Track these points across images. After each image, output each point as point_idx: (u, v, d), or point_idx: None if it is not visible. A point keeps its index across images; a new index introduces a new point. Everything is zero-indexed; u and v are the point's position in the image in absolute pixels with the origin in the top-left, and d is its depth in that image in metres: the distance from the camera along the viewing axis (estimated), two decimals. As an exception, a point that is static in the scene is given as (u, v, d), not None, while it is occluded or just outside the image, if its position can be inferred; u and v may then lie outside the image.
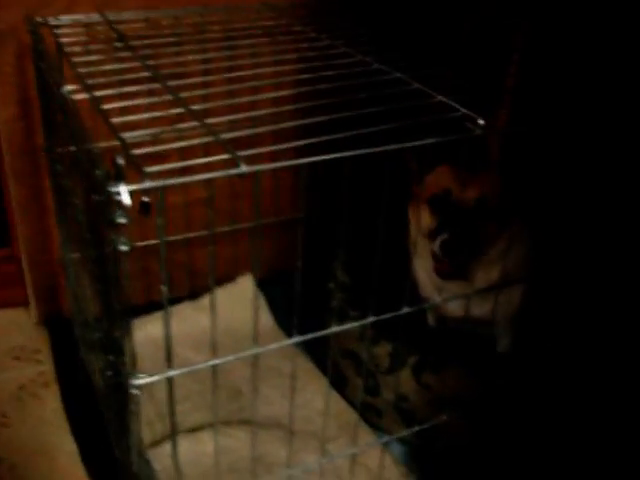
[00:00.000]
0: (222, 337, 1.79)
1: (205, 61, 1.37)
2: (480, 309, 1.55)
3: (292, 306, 1.06)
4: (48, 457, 1.59)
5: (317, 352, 1.80)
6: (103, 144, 1.26)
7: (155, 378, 0.95)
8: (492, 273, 1.56)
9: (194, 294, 2.01)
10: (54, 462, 1.58)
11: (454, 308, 1.62)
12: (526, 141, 1.49)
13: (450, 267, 1.50)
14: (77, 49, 1.32)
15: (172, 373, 0.96)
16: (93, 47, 1.37)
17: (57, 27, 1.44)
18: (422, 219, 1.57)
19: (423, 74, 1.19)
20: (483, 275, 1.57)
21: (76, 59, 1.24)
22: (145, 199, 0.80)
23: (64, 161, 1.34)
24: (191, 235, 1.88)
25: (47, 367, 1.88)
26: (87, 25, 1.49)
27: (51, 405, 1.74)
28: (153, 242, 1.70)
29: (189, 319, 1.93)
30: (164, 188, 0.82)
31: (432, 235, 1.51)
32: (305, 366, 1.82)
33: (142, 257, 1.85)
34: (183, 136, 1.02)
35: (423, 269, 1.65)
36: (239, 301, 1.98)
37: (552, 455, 1.47)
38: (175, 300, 1.98)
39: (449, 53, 1.65)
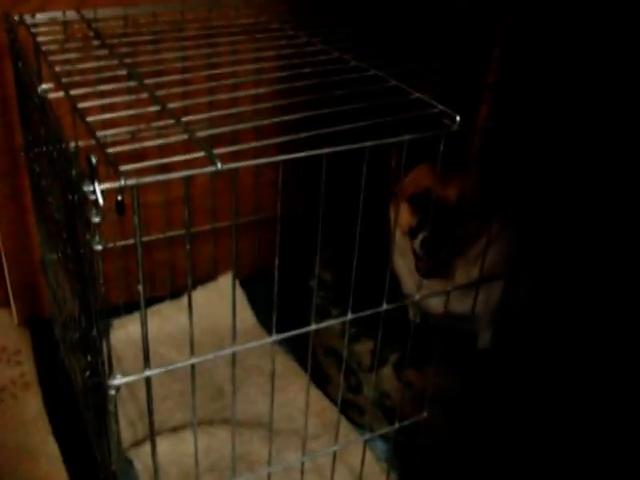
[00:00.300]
0: (204, 336, 1.81)
1: (184, 58, 1.37)
2: (461, 305, 1.54)
3: (273, 303, 1.06)
4: (29, 459, 1.58)
5: (300, 351, 1.80)
6: (81, 143, 1.26)
7: (133, 378, 0.94)
8: (472, 270, 1.56)
9: (176, 293, 2.00)
10: (35, 464, 1.57)
11: (436, 304, 1.62)
12: (506, 137, 1.49)
13: (431, 265, 1.50)
14: (54, 47, 1.31)
15: (150, 373, 0.95)
16: (70, 45, 1.36)
17: (34, 25, 1.43)
18: (402, 217, 1.56)
19: (401, 71, 1.19)
20: (464, 272, 1.57)
21: (53, 57, 1.23)
22: (119, 198, 0.80)
23: (42, 161, 1.33)
24: (170, 234, 1.87)
25: (28, 368, 1.86)
26: (64, 23, 1.48)
27: (32, 407, 1.73)
28: (132, 242, 1.70)
29: (170, 318, 1.92)
30: (139, 186, 0.82)
31: (412, 233, 1.51)
32: (287, 364, 1.82)
33: (122, 257, 1.84)
34: (162, 134, 1.01)
35: (404, 266, 1.66)
36: (220, 300, 1.97)
37: (534, 451, 1.47)
38: (156, 299, 1.97)
39: (428, 50, 1.65)
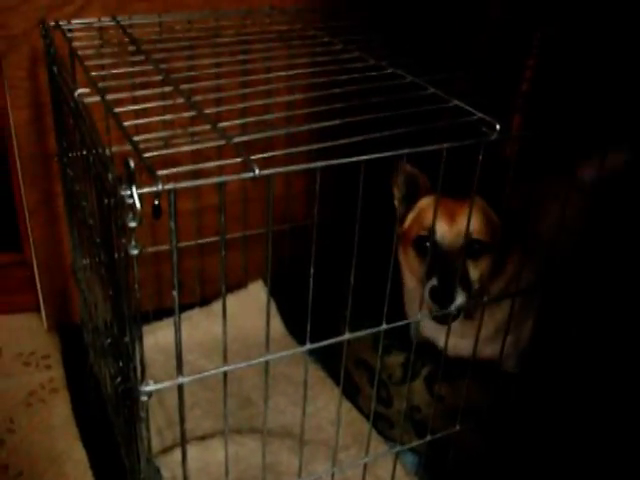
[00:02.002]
0: (233, 344, 1.79)
1: (218, 65, 1.36)
2: (490, 349, 1.46)
3: (304, 313, 1.05)
4: (56, 464, 1.58)
5: (330, 361, 1.79)
6: (116, 148, 1.26)
7: (165, 385, 0.93)
8: (497, 311, 1.46)
9: (205, 301, 2.00)
10: (62, 469, 1.57)
11: (460, 348, 1.49)
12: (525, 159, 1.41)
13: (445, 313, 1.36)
14: (90, 53, 1.32)
15: (182, 380, 0.94)
16: (106, 51, 1.36)
17: (70, 31, 1.44)
18: (409, 263, 1.46)
19: (438, 78, 1.17)
20: (487, 313, 1.38)
21: (89, 63, 1.24)
22: (157, 202, 0.79)
23: (76, 165, 1.34)
24: (202, 241, 1.87)
25: (57, 373, 1.87)
26: (99, 29, 1.49)
27: (60, 411, 1.73)
28: (164, 247, 1.70)
29: (200, 326, 1.92)
30: (176, 191, 0.81)
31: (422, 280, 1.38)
32: (317, 374, 1.81)
33: (153, 263, 1.84)
34: (196, 140, 1.01)
35: (413, 310, 1.53)
36: (250, 308, 1.96)
37: (565, 467, 1.45)
38: (186, 307, 1.97)
39: (464, 58, 1.63)
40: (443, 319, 1.36)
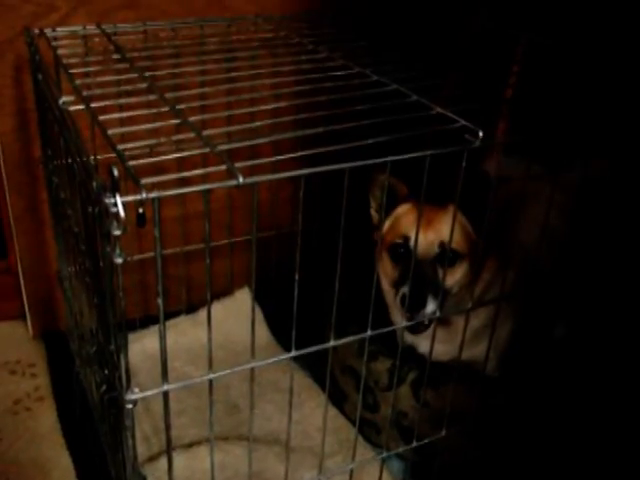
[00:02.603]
0: (219, 351, 1.80)
1: (203, 72, 1.37)
2: (468, 354, 1.43)
3: (291, 320, 1.05)
4: (42, 472, 1.57)
5: (317, 368, 1.79)
6: (100, 156, 1.26)
7: (150, 393, 0.93)
8: (472, 317, 1.40)
9: (192, 308, 2.00)
10: (48, 477, 1.56)
11: (441, 353, 1.50)
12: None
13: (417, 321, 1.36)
14: (74, 60, 1.31)
15: (167, 387, 0.94)
16: (90, 59, 1.36)
17: (55, 39, 1.44)
18: (384, 269, 1.46)
19: (421, 86, 1.18)
20: (463, 319, 1.35)
21: (73, 70, 1.23)
22: (140, 210, 0.79)
23: (61, 173, 1.34)
24: (188, 248, 1.87)
25: (43, 381, 1.86)
26: (84, 37, 1.49)
27: (46, 420, 1.73)
28: (150, 255, 1.69)
29: (187, 333, 1.92)
30: (160, 199, 0.81)
31: (395, 286, 1.40)
32: (304, 382, 1.81)
33: (139, 270, 1.84)
34: (181, 148, 1.01)
35: (397, 318, 1.55)
36: (237, 315, 1.96)
37: (553, 470, 1.45)
38: (173, 314, 1.97)
39: (448, 65, 1.64)
40: (415, 329, 1.39)
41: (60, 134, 1.18)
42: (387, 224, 1.47)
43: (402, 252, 1.40)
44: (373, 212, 1.49)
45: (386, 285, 1.49)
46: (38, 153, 1.71)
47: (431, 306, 1.31)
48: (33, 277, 1.94)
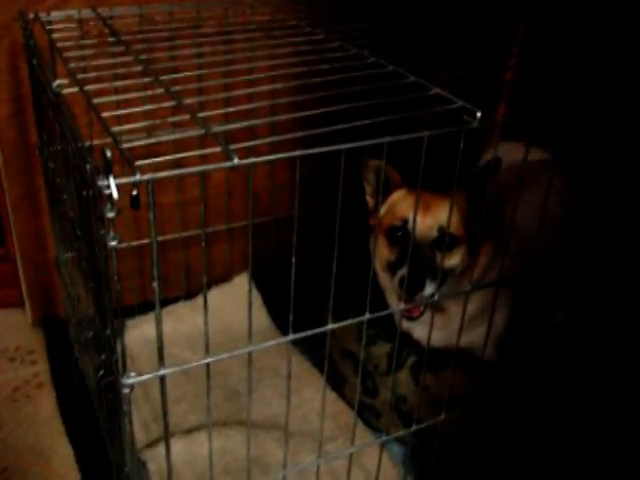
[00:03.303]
0: (218, 337, 1.79)
1: (200, 55, 1.36)
2: (465, 339, 1.40)
3: (288, 305, 1.04)
4: (42, 459, 1.57)
5: (316, 352, 1.79)
6: (98, 140, 1.25)
7: (146, 377, 0.93)
8: (467, 302, 1.37)
9: (191, 294, 1.99)
10: (48, 464, 1.56)
11: (434, 339, 1.43)
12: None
13: (415, 307, 1.37)
14: (69, 44, 1.30)
15: (164, 372, 0.94)
16: (86, 42, 1.35)
17: (49, 23, 1.43)
18: (380, 252, 1.45)
19: (420, 67, 1.17)
20: (458, 306, 1.40)
21: (68, 54, 1.22)
22: (135, 192, 0.78)
23: (56, 158, 1.33)
24: (186, 234, 1.86)
25: (42, 368, 1.86)
26: (80, 21, 1.48)
27: (46, 407, 1.72)
28: (146, 242, 1.69)
29: (185, 319, 1.91)
30: (155, 183, 0.80)
31: (391, 270, 1.40)
32: (303, 366, 1.80)
33: (138, 257, 1.83)
34: (177, 131, 1.00)
35: (393, 302, 1.55)
36: (236, 300, 1.96)
37: (550, 455, 1.45)
38: (171, 300, 1.96)
39: (447, 47, 1.63)
40: (411, 316, 1.38)
41: (55, 119, 1.17)
42: (383, 209, 1.46)
43: (400, 235, 1.39)
44: (368, 198, 1.48)
45: (381, 269, 1.48)
46: (34, 139, 1.70)
47: (429, 289, 1.31)
48: (31, 264, 1.94)
